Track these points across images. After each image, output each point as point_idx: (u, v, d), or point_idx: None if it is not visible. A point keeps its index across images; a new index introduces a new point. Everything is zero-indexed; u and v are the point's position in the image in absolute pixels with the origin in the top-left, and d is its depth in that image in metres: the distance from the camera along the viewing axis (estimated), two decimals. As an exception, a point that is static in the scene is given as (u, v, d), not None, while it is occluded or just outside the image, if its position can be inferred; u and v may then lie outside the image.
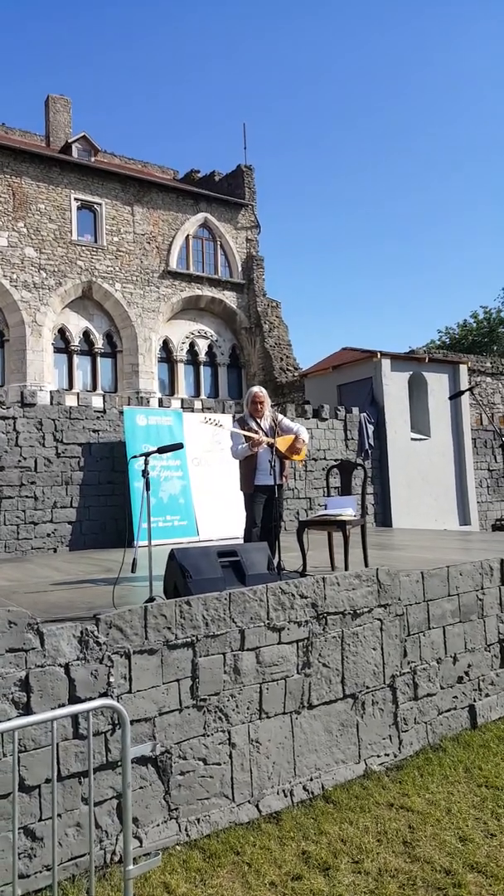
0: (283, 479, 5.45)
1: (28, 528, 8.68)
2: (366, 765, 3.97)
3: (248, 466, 5.36)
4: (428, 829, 3.25)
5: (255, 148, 73.54)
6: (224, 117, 77.83)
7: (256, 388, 5.53)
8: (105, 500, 9.26)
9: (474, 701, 4.68)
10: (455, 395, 5.88)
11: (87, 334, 19.79)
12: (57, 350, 19.22)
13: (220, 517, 9.31)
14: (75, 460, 9.11)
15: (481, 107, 79.70)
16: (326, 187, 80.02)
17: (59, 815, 3.01)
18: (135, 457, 4.65)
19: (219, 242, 22.20)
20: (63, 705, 3.06)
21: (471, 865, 2.94)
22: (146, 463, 4.28)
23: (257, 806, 3.55)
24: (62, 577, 6.00)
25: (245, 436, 5.25)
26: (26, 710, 2.99)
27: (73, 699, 3.09)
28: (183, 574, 3.83)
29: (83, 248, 19.33)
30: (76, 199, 19.42)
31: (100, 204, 19.83)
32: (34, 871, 2.94)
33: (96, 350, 19.88)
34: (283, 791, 3.65)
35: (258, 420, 5.41)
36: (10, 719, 2.90)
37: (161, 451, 4.47)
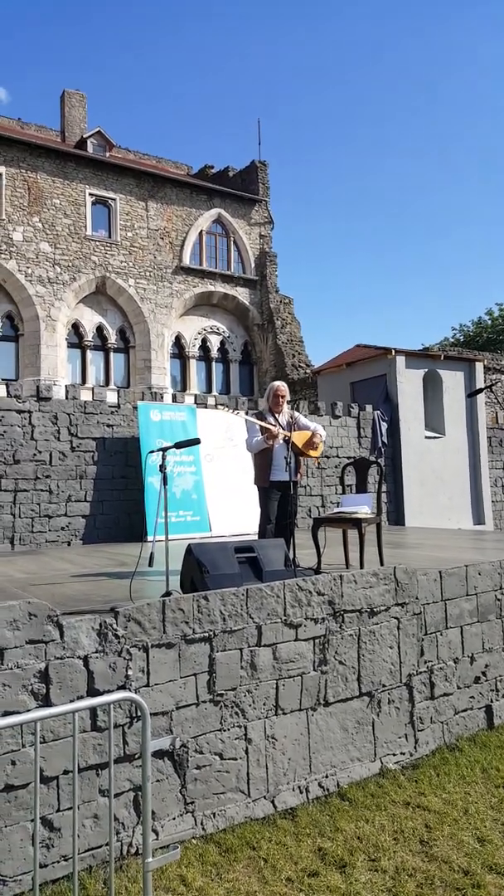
0: (299, 476, 5.43)
1: (43, 522, 8.72)
2: (381, 763, 3.96)
3: (264, 461, 5.35)
4: (445, 829, 3.23)
5: (271, 145, 73.34)
6: (239, 113, 77.71)
7: (279, 383, 5.53)
8: (119, 495, 9.29)
9: (491, 701, 4.65)
10: (473, 393, 5.85)
11: (100, 329, 19.85)
12: (70, 345, 19.29)
13: (233, 513, 9.31)
14: (90, 454, 9.14)
15: (502, 105, 78.96)
16: (341, 184, 79.71)
17: (78, 807, 3.03)
18: (152, 452, 4.65)
19: (232, 238, 22.17)
20: (81, 697, 3.07)
21: (490, 867, 2.92)
22: (163, 458, 4.28)
23: (273, 801, 3.54)
24: (77, 570, 6.02)
25: (261, 426, 5.24)
26: (45, 701, 3.00)
27: (92, 691, 3.10)
28: (200, 569, 3.82)
29: (97, 243, 19.37)
30: (91, 195, 19.46)
31: (114, 199, 19.86)
32: (52, 860, 2.96)
33: (109, 345, 19.93)
34: (299, 787, 3.64)
35: (276, 416, 5.41)
36: (29, 710, 2.92)
37: (178, 446, 4.47)
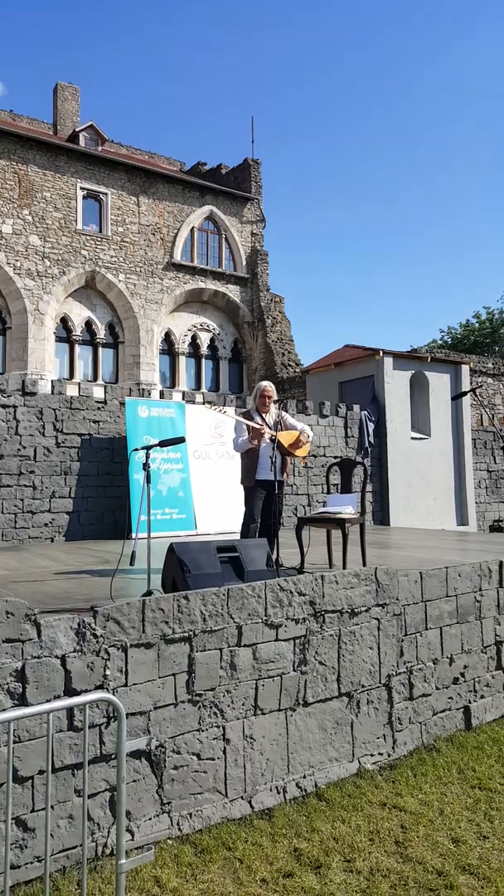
0: (284, 475, 5.44)
1: (26, 518, 8.66)
2: (359, 763, 3.97)
3: (250, 460, 5.36)
4: (420, 830, 3.25)
5: (263, 140, 73.17)
6: (232, 109, 77.49)
7: (266, 383, 5.52)
8: (103, 492, 9.24)
9: (469, 702, 4.68)
10: (458, 396, 5.85)
11: (89, 324, 19.73)
12: (59, 339, 19.17)
13: (219, 511, 9.30)
14: (75, 450, 9.08)
15: (489, 105, 79.34)
16: (331, 183, 79.76)
17: (52, 807, 3.01)
18: (136, 450, 4.63)
19: (223, 236, 22.11)
20: (59, 697, 3.05)
21: (463, 867, 2.94)
22: (147, 456, 4.26)
23: (250, 802, 3.54)
24: (60, 568, 5.98)
25: (248, 426, 5.24)
26: (22, 700, 2.98)
27: (69, 691, 3.08)
28: (182, 568, 3.81)
29: (88, 237, 19.24)
30: (82, 188, 19.32)
31: (105, 194, 19.73)
32: (25, 861, 2.94)
33: (98, 340, 19.83)
34: (276, 788, 3.65)
35: (263, 415, 5.41)
36: (5, 710, 2.90)
37: (163, 444, 4.45)
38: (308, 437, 5.42)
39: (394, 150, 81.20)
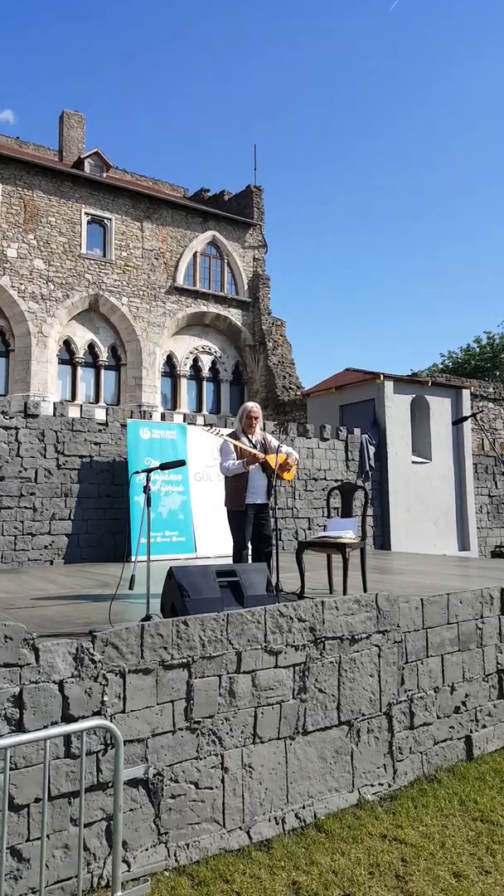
0: (270, 498, 5.43)
1: (25, 540, 8.64)
2: (359, 794, 3.91)
3: (239, 483, 5.32)
4: (421, 864, 3.19)
5: (265, 166, 74.39)
6: (235, 135, 78.92)
7: (251, 404, 5.55)
8: (103, 514, 9.23)
9: (471, 732, 4.62)
10: (459, 421, 5.89)
11: (91, 347, 19.89)
12: (62, 361, 19.30)
13: (219, 534, 9.24)
14: (76, 472, 9.09)
15: (492, 127, 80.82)
16: (332, 208, 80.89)
17: (48, 836, 2.96)
18: (137, 472, 4.64)
19: (226, 260, 22.39)
20: (56, 723, 3.02)
21: (464, 903, 2.88)
22: (148, 479, 4.27)
23: (248, 833, 3.49)
24: (58, 591, 5.96)
25: (243, 450, 5.24)
26: (18, 726, 2.95)
27: (67, 717, 3.06)
28: (181, 593, 3.80)
29: (91, 261, 19.49)
30: (87, 214, 19.62)
31: (110, 219, 20.03)
32: (19, 893, 2.88)
33: (100, 363, 19.96)
34: (275, 818, 3.59)
35: (249, 436, 5.43)
36: (2, 736, 2.87)
37: (163, 467, 4.46)
38: (295, 459, 5.43)
39: (395, 175, 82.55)
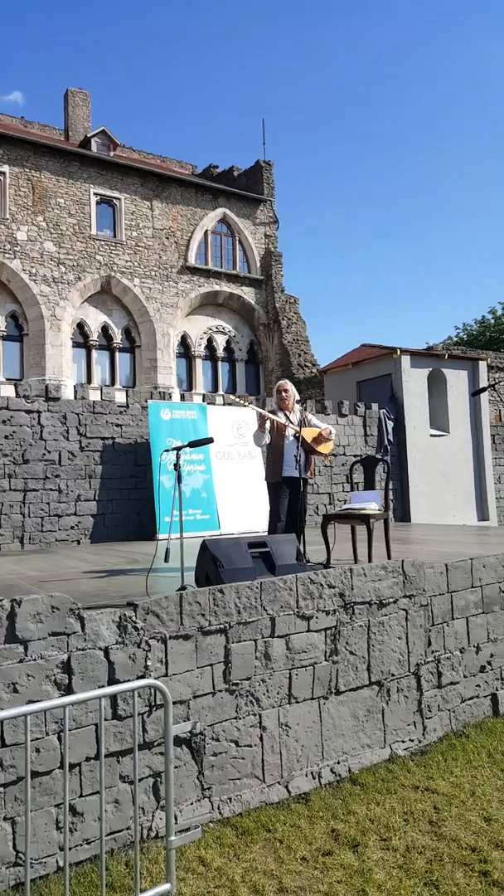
0: (308, 473, 5.53)
1: (52, 521, 8.86)
2: (391, 749, 4.08)
3: (275, 456, 5.45)
4: (453, 810, 3.36)
5: (276, 143, 73.27)
6: (244, 112, 77.70)
7: (282, 381, 5.66)
8: (128, 494, 9.42)
9: (496, 690, 4.77)
10: (477, 392, 5.94)
11: (105, 329, 19.97)
12: (76, 344, 19.41)
13: (242, 511, 9.43)
14: (98, 454, 9.27)
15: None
16: (345, 183, 79.66)
17: (99, 792, 3.15)
18: (166, 451, 4.77)
19: (237, 238, 22.26)
20: (102, 687, 3.19)
21: (496, 843, 3.04)
22: (178, 457, 4.39)
23: (287, 787, 3.67)
24: (90, 568, 6.15)
25: (259, 413, 5.31)
26: (68, 690, 3.13)
27: (113, 681, 3.23)
28: (215, 564, 3.95)
29: (102, 242, 19.48)
30: (95, 194, 19.56)
31: (119, 199, 19.96)
32: (75, 844, 3.09)
33: (115, 345, 20.06)
34: (312, 773, 3.77)
35: (287, 413, 5.52)
36: (53, 699, 3.04)
37: (192, 445, 4.59)
38: (331, 433, 5.52)
39: (410, 149, 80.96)
